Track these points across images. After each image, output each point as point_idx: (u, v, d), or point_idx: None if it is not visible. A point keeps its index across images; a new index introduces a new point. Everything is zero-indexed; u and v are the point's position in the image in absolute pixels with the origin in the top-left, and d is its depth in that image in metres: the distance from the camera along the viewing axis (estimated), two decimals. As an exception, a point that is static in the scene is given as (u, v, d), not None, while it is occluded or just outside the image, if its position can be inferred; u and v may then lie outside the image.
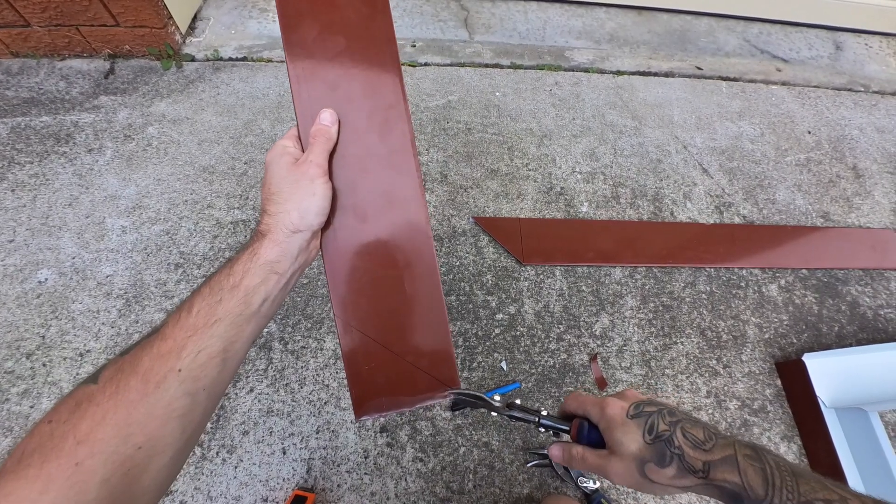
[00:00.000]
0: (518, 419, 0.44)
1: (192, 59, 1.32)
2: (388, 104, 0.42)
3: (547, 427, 0.43)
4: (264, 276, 0.37)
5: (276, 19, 1.42)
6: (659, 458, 0.35)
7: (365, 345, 0.44)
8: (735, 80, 1.47)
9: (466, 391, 0.44)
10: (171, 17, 1.26)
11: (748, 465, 0.33)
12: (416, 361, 0.44)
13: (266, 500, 0.77)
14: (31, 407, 0.82)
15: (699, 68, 1.47)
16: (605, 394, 0.90)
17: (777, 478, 0.32)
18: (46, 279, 0.95)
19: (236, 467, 0.79)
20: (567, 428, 0.43)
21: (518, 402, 0.46)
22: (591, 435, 0.40)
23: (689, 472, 0.34)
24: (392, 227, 0.43)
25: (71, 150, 1.12)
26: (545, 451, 0.62)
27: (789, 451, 0.89)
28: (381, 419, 0.84)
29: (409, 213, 0.43)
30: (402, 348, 0.44)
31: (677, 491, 0.36)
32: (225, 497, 0.77)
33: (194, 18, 1.39)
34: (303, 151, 0.41)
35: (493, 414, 0.45)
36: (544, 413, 0.44)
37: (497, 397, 0.45)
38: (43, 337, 0.89)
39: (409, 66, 1.37)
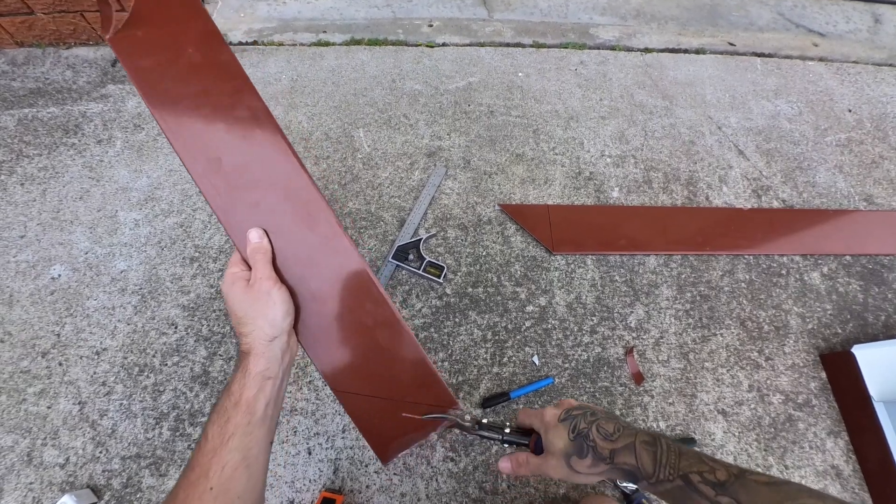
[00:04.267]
0: (485, 437, 0.49)
1: (201, 45, 1.27)
2: (304, 201, 0.47)
3: (510, 443, 0.49)
4: (259, 385, 0.41)
5: (287, 1, 1.37)
6: (578, 450, 0.42)
7: (366, 402, 0.49)
8: (770, 56, 1.39)
9: (436, 415, 0.49)
10: (177, 1, 1.21)
11: (643, 449, 0.40)
12: (414, 399, 0.49)
13: (293, 503, 0.74)
14: (49, 407, 0.79)
15: (732, 44, 1.39)
16: (640, 389, 0.86)
17: (663, 457, 0.39)
18: (60, 275, 0.92)
19: (261, 468, 0.76)
20: (526, 442, 0.48)
21: (485, 420, 0.51)
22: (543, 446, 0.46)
23: (600, 459, 0.41)
24: (348, 298, 0.48)
25: (80, 141, 1.08)
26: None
27: (836, 447, 0.84)
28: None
29: (358, 282, 0.48)
30: (397, 393, 0.49)
31: (595, 478, 0.43)
32: (250, 499, 0.74)
33: (202, 2, 1.34)
34: (250, 271, 0.45)
35: (464, 433, 0.50)
36: (507, 430, 0.49)
37: (467, 417, 0.50)
38: (58, 335, 0.86)
39: (427, 46, 1.31)
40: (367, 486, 0.76)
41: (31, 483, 0.73)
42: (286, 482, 0.76)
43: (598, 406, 0.52)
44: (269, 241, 0.46)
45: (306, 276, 0.47)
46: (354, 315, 0.48)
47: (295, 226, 0.46)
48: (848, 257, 1.04)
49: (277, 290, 0.44)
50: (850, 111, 1.30)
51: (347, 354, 0.48)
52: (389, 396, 0.49)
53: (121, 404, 0.80)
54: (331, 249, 0.47)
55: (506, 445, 0.49)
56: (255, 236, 0.45)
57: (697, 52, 1.37)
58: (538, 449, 0.46)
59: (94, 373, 0.83)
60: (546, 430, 0.45)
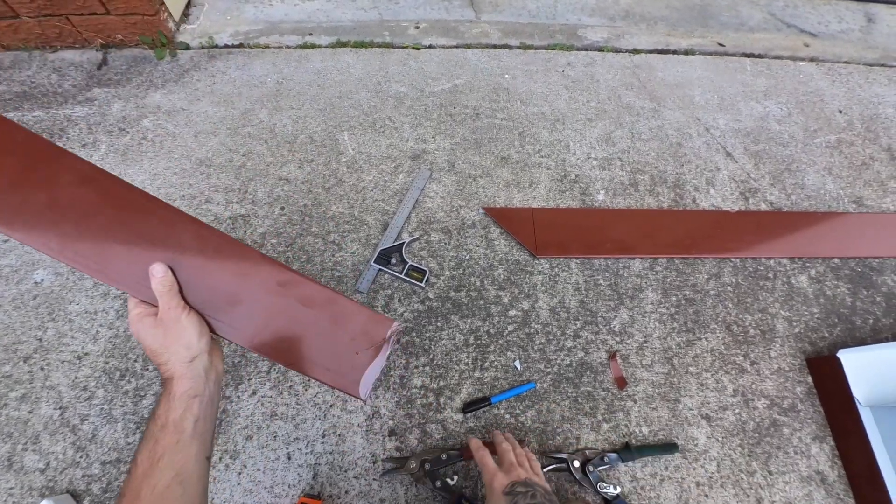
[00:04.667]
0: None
1: (187, 48, 1.26)
2: (169, 223, 0.47)
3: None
4: (186, 405, 0.42)
5: (274, 3, 1.35)
6: None
7: (321, 360, 0.51)
8: (760, 56, 1.38)
9: (380, 340, 0.52)
10: (163, 4, 1.21)
11: None
12: (357, 336, 0.51)
13: (271, 508, 0.74)
14: (30, 412, 0.79)
15: (721, 45, 1.38)
16: (623, 394, 0.85)
17: None
18: (42, 280, 0.91)
19: (240, 473, 0.76)
20: None
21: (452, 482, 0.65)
22: None
23: None
24: (259, 286, 0.49)
25: (65, 144, 1.08)
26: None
27: (821, 452, 0.84)
28: (390, 422, 0.81)
29: (252, 267, 0.49)
30: (340, 338, 0.51)
31: None
32: (229, 504, 0.74)
33: (188, 5, 1.34)
34: (154, 306, 0.46)
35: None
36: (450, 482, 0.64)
37: (412, 465, 0.63)
38: (40, 340, 0.86)
39: (414, 48, 1.30)
40: (346, 492, 0.75)
41: (10, 488, 0.73)
42: (265, 487, 0.75)
43: (541, 481, 0.59)
44: (173, 272, 0.46)
45: (209, 288, 0.48)
46: (268, 296, 0.49)
47: (172, 251, 0.47)
48: (836, 260, 1.03)
49: (186, 316, 0.45)
50: (840, 112, 1.29)
51: (284, 332, 0.50)
52: (335, 346, 0.51)
53: (101, 409, 0.80)
54: (214, 253, 0.48)
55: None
56: (159, 271, 0.45)
57: (686, 52, 1.37)
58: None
59: (76, 377, 0.83)
60: (491, 493, 0.50)
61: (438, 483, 0.61)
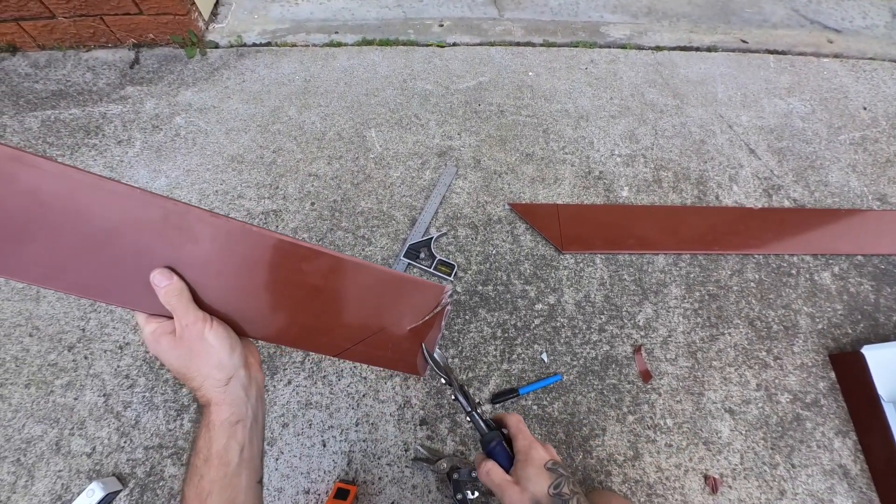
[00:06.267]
0: (458, 401, 0.50)
1: (216, 46, 1.29)
2: (162, 217, 0.36)
3: (473, 422, 0.50)
4: (228, 433, 0.38)
5: (300, 2, 1.37)
6: None
7: (372, 342, 0.46)
8: (783, 53, 1.38)
9: (434, 310, 0.47)
10: (193, 4, 1.24)
11: None
12: (408, 310, 0.46)
13: (308, 493, 0.77)
14: (76, 399, 0.83)
15: (744, 41, 1.38)
16: (648, 387, 0.87)
17: None
18: (84, 272, 0.95)
19: (277, 459, 0.79)
20: (485, 432, 0.49)
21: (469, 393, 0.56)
22: (499, 455, 0.48)
23: None
24: (282, 275, 0.41)
25: (101, 142, 1.11)
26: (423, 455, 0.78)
27: (844, 446, 0.84)
28: (421, 412, 0.83)
29: (276, 254, 0.40)
30: (389, 316, 0.46)
31: None
32: (267, 488, 0.77)
33: (216, 4, 1.37)
34: (169, 318, 0.38)
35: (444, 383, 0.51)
36: (479, 411, 0.50)
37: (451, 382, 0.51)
38: (83, 330, 0.89)
39: (438, 46, 1.32)
40: (380, 478, 0.78)
41: (59, 471, 0.77)
42: (302, 473, 0.78)
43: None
44: (180, 276, 0.38)
45: (229, 289, 0.40)
46: (299, 285, 0.42)
47: (176, 249, 0.37)
48: (860, 257, 1.03)
49: (210, 329, 0.38)
50: (865, 109, 1.28)
51: (323, 321, 0.44)
52: (384, 324, 0.45)
53: (143, 396, 0.83)
54: (228, 245, 0.39)
55: (467, 419, 0.50)
56: (162, 279, 0.37)
57: (709, 49, 1.37)
58: (490, 449, 0.48)
59: (118, 366, 0.86)
60: (529, 464, 0.45)
61: (459, 496, 0.60)
